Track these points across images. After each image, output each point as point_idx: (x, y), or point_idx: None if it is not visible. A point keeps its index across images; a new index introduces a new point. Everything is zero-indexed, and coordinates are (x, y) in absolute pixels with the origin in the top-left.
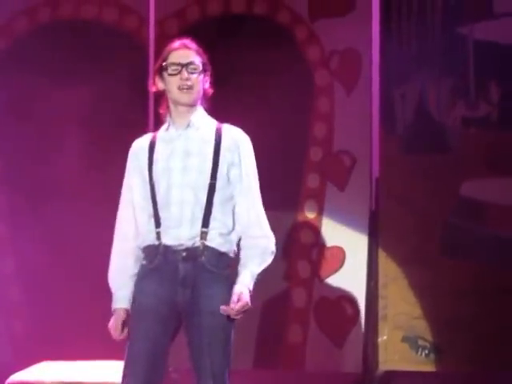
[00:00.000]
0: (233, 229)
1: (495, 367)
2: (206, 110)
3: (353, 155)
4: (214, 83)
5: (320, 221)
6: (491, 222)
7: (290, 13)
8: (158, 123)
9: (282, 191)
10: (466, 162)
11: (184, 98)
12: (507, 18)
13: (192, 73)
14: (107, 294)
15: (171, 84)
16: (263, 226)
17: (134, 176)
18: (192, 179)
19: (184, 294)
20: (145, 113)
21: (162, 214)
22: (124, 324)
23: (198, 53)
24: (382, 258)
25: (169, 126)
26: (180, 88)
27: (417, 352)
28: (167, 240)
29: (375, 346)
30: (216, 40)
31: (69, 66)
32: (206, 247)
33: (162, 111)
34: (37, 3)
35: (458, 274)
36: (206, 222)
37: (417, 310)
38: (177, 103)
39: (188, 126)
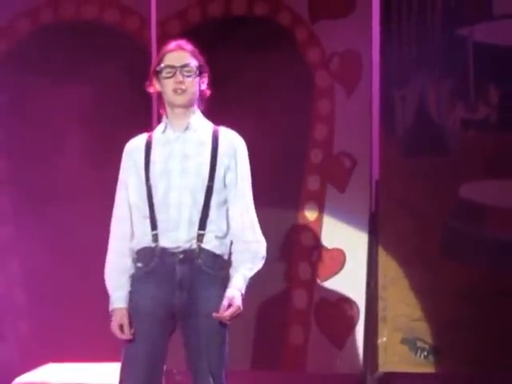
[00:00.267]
0: (227, 232)
1: (494, 369)
2: (203, 112)
3: (353, 157)
4: (215, 84)
5: (320, 223)
6: (490, 224)
7: (291, 14)
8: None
9: (282, 193)
10: (466, 164)
11: (178, 99)
12: (507, 20)
13: (187, 76)
14: None
15: (166, 86)
16: (256, 231)
17: (130, 175)
18: (190, 182)
19: (181, 296)
20: (147, 114)
21: (158, 216)
22: (126, 323)
23: (193, 54)
24: (382, 259)
25: (166, 127)
26: (174, 90)
27: (416, 354)
28: (165, 242)
29: (375, 347)
30: (217, 41)
31: (70, 67)
32: (203, 249)
33: (162, 112)
34: (38, 4)
35: (458, 276)
36: (202, 225)
37: (416, 312)
38: (172, 105)
39: (186, 128)
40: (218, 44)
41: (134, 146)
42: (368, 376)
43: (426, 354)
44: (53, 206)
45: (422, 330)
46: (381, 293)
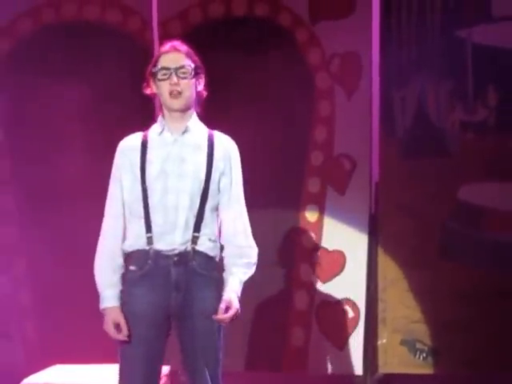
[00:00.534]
0: (218, 235)
1: (493, 370)
2: (201, 113)
3: (353, 159)
4: (215, 85)
5: (321, 224)
6: (489, 225)
7: (291, 15)
8: None
9: (283, 195)
10: (465, 166)
11: (175, 104)
12: (506, 22)
13: (182, 77)
14: None
15: (162, 89)
16: (248, 237)
17: (125, 173)
18: (188, 185)
19: (177, 298)
20: (149, 114)
21: (154, 218)
22: (122, 322)
23: (188, 55)
24: (382, 261)
25: (163, 129)
26: (170, 93)
27: (415, 355)
28: (159, 245)
29: (375, 348)
30: (217, 42)
31: (72, 67)
32: (197, 252)
33: (161, 113)
34: (40, 4)
35: (457, 277)
36: (197, 228)
37: (415, 314)
38: (169, 109)
39: (184, 132)
40: (219, 45)
41: (130, 145)
42: (368, 377)
43: (424, 355)
44: (58, 206)
45: (421, 331)
46: (380, 294)
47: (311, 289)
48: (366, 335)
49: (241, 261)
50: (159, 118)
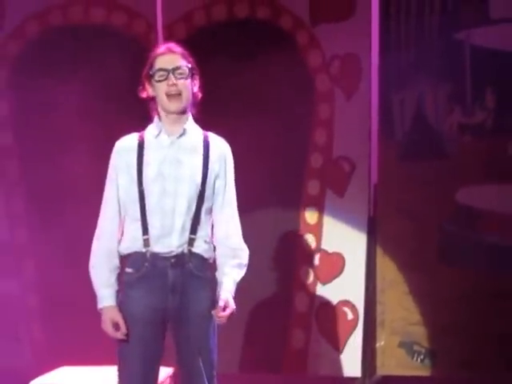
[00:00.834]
0: (212, 237)
1: (490, 372)
2: (196, 115)
3: (352, 161)
4: (215, 86)
5: (320, 227)
6: (488, 228)
7: (292, 17)
8: None
9: (282, 197)
10: (463, 169)
11: (173, 106)
12: (504, 24)
13: (179, 78)
14: None
15: (159, 90)
16: (240, 239)
17: (121, 174)
18: (185, 188)
19: (173, 299)
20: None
21: (151, 221)
22: (121, 321)
23: (184, 56)
24: (381, 263)
25: (160, 132)
26: (168, 94)
27: (413, 357)
28: (157, 247)
29: (373, 351)
30: (220, 44)
31: (78, 70)
32: (193, 253)
33: (153, 115)
34: (47, 8)
35: (455, 280)
36: (194, 230)
37: (413, 316)
38: (167, 111)
39: (181, 135)
40: (221, 47)
41: (126, 146)
42: (366, 379)
43: (422, 357)
44: (66, 207)
45: (419, 333)
46: (379, 297)
47: (311, 291)
48: (364, 337)
49: (233, 261)
50: (155, 120)
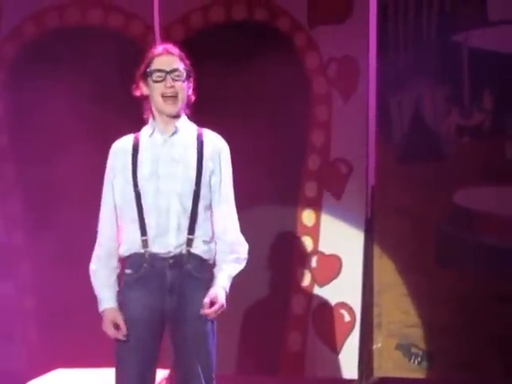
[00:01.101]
0: (212, 236)
1: (487, 374)
2: (188, 116)
3: (350, 163)
4: (214, 88)
5: (318, 228)
6: (485, 229)
7: (290, 19)
8: None
9: (280, 199)
10: (461, 170)
11: (168, 109)
12: (502, 26)
13: (176, 80)
14: None
15: (155, 91)
16: (238, 233)
17: (116, 175)
18: (178, 187)
19: (171, 300)
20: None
21: (148, 221)
22: (122, 322)
23: (181, 59)
24: (377, 265)
25: (153, 131)
26: (164, 96)
27: (410, 359)
28: (155, 248)
29: (370, 353)
30: (218, 45)
31: (75, 71)
32: (192, 254)
33: (145, 116)
34: (44, 9)
35: (453, 281)
36: (191, 230)
37: (410, 318)
38: (161, 113)
39: (174, 133)
40: (219, 48)
41: (122, 147)
42: (363, 381)
43: (419, 359)
44: (62, 209)
45: (416, 335)
46: (376, 299)
47: (308, 293)
48: (361, 339)
49: (230, 256)
50: (150, 120)
